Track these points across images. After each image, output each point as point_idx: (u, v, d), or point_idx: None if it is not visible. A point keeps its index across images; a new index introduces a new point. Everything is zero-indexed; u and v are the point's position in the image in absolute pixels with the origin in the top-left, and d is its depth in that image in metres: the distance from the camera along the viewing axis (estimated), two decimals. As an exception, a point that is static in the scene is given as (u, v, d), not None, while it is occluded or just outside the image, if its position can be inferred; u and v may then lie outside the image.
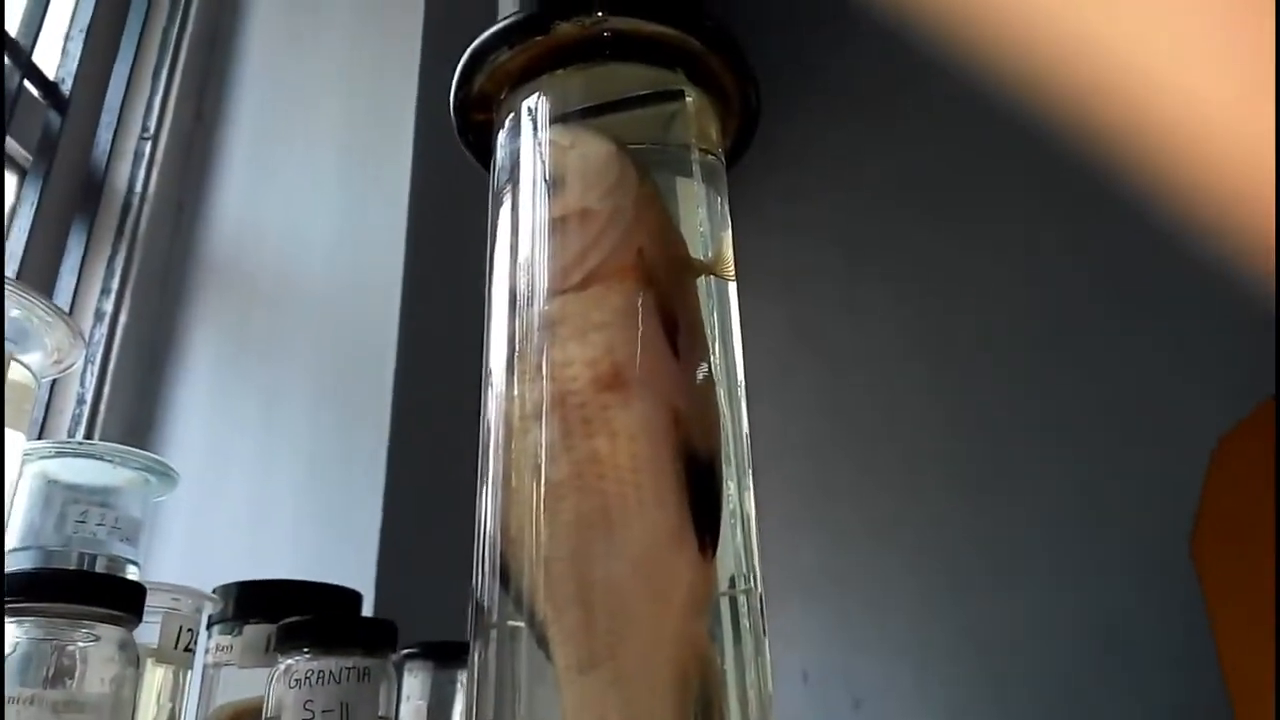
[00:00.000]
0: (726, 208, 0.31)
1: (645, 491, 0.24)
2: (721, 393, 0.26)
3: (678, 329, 0.25)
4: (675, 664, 0.21)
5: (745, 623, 0.23)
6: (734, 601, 0.23)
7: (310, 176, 1.06)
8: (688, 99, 0.30)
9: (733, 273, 0.28)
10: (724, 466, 0.24)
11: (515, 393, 0.26)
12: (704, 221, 0.29)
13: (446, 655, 0.70)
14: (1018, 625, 1.69)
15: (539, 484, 0.24)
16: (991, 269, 1.86)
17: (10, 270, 0.88)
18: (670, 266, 0.27)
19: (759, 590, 0.25)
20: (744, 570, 0.24)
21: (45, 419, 0.91)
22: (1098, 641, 1.63)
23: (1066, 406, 1.77)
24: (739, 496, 0.25)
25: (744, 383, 0.28)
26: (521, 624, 0.24)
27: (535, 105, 0.31)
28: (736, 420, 0.27)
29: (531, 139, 0.30)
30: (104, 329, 0.96)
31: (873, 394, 1.82)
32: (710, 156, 0.31)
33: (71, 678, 0.37)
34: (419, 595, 0.94)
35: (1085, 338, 1.79)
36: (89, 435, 0.91)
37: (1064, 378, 1.79)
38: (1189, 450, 1.43)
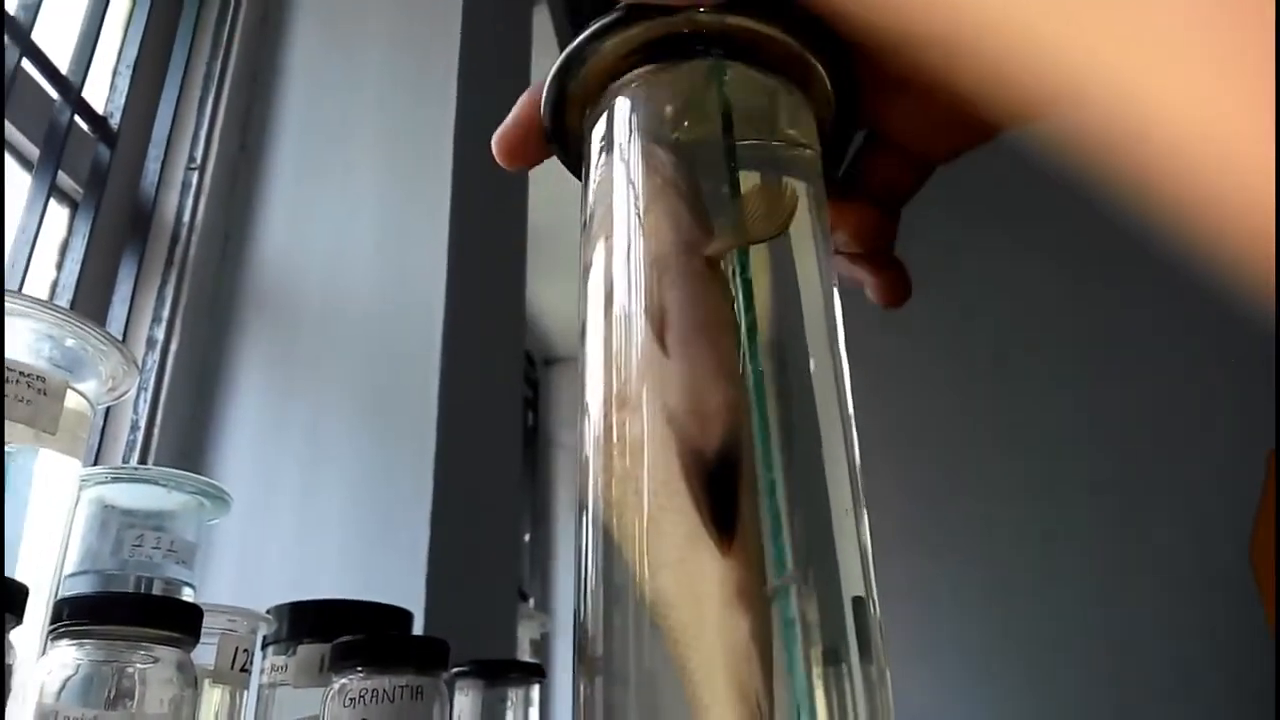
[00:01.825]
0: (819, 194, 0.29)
1: (661, 498, 0.23)
2: (769, 371, 0.25)
3: (665, 324, 0.25)
4: (728, 670, 0.21)
5: (796, 617, 0.22)
6: (787, 595, 0.22)
7: (351, 203, 1.07)
8: (785, 93, 0.29)
9: (772, 233, 0.26)
10: (766, 455, 0.23)
11: (611, 422, 0.25)
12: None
13: (496, 673, 0.71)
14: (1066, 630, 1.67)
15: (612, 511, 0.24)
16: (1033, 272, 1.84)
17: (64, 300, 0.90)
18: (667, 257, 0.26)
19: (811, 583, 0.24)
20: (790, 565, 0.23)
21: (100, 445, 0.93)
22: (1153, 649, 1.60)
23: (1117, 413, 1.75)
24: (781, 488, 0.24)
25: (816, 350, 0.27)
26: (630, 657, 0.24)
27: (631, 108, 0.29)
28: (795, 399, 0.26)
29: (624, 147, 0.29)
30: (156, 356, 0.98)
31: (913, 399, 1.81)
32: (807, 151, 0.30)
33: (131, 699, 0.38)
34: (467, 613, 0.94)
35: (1138, 342, 1.77)
36: (143, 460, 0.93)
37: (1114, 384, 1.76)
38: (1247, 457, 1.40)
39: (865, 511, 0.25)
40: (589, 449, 0.25)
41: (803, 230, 0.28)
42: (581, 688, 0.23)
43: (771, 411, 0.24)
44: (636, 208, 0.27)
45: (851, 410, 0.27)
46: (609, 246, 0.27)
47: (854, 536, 0.24)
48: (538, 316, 1.97)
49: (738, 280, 0.25)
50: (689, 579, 0.22)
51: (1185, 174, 0.13)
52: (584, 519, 0.25)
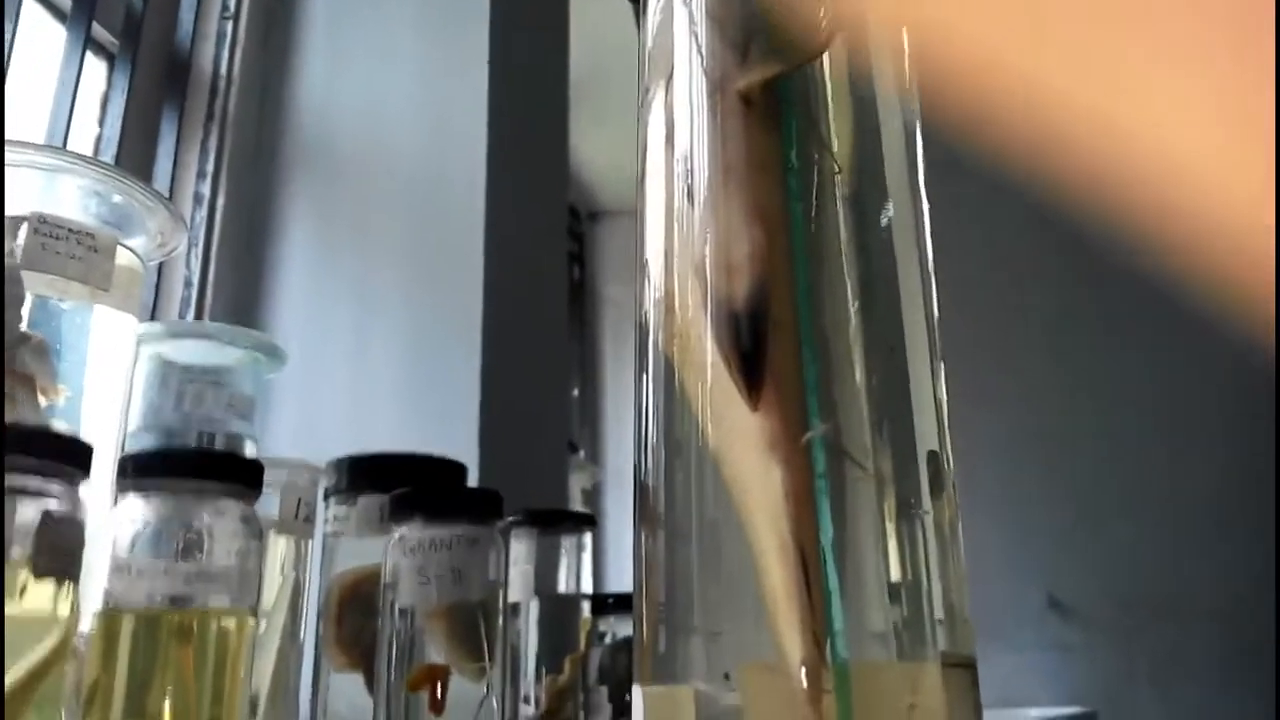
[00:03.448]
0: None
1: (696, 354, 0.23)
2: (848, 220, 0.24)
3: (694, 170, 0.24)
4: (770, 520, 0.21)
5: (837, 471, 0.22)
6: (819, 447, 0.22)
7: (388, 51, 1.05)
8: None
9: (804, 58, 0.24)
10: (805, 305, 0.22)
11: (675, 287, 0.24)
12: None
13: (550, 522, 0.73)
14: (1126, 485, 1.67)
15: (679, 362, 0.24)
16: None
17: (108, 156, 0.89)
18: (698, 97, 0.24)
19: (885, 437, 0.23)
20: (819, 420, 0.22)
21: (156, 303, 0.94)
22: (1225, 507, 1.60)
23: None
24: (814, 344, 0.23)
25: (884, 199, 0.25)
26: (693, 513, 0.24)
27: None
28: (872, 249, 0.24)
29: None
30: (204, 212, 0.98)
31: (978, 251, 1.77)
32: None
33: (200, 550, 0.39)
34: (519, 464, 0.96)
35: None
36: (198, 316, 0.94)
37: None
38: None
39: (942, 365, 0.24)
40: (648, 306, 0.25)
41: (881, 58, 0.26)
42: (644, 541, 0.23)
43: (847, 261, 0.23)
44: (697, 43, 0.25)
45: (931, 262, 0.25)
46: (668, 89, 0.26)
47: (930, 390, 0.24)
48: (581, 169, 1.94)
49: (784, 109, 0.23)
50: (729, 434, 0.22)
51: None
52: (644, 377, 0.24)
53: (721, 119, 0.23)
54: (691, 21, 0.25)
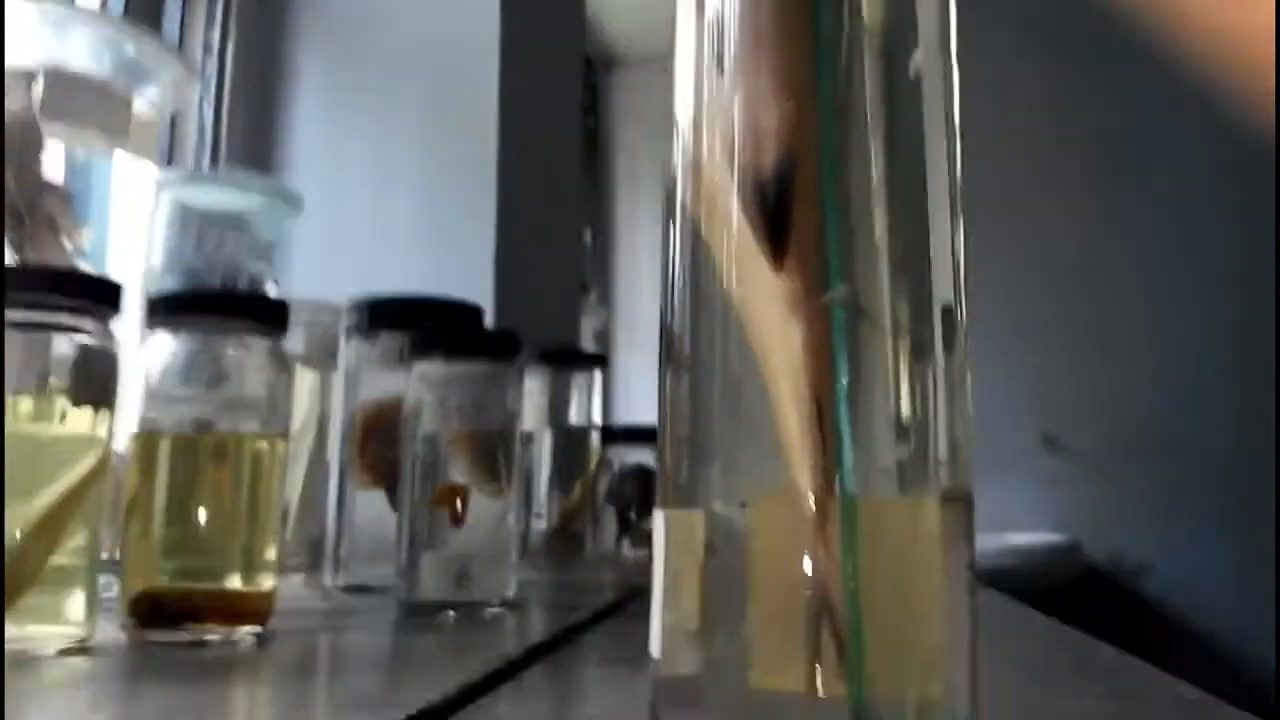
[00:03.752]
0: None
1: (723, 216, 0.24)
2: (876, 73, 0.24)
3: (723, 36, 0.24)
4: (789, 375, 0.23)
5: (854, 328, 0.23)
6: (839, 309, 0.23)
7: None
8: None
9: None
10: (831, 174, 0.24)
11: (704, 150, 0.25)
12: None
13: (563, 361, 0.76)
14: (1117, 326, 1.69)
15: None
16: None
17: (118, 5, 0.88)
18: None
19: (904, 288, 0.25)
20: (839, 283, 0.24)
21: (171, 149, 0.95)
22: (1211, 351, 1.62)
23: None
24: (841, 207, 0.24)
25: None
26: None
27: None
28: (900, 102, 0.25)
29: None
30: (214, 60, 0.97)
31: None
32: None
33: (229, 380, 0.42)
34: (533, 304, 0.98)
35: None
36: (214, 162, 0.95)
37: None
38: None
39: (962, 220, 0.26)
40: (676, 159, 0.26)
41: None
42: (669, 383, 0.25)
43: (873, 126, 0.24)
44: None
45: (958, 118, 0.26)
46: None
47: (949, 248, 0.25)
48: (598, 18, 1.89)
49: None
50: (753, 293, 0.23)
51: None
52: (671, 227, 0.26)
53: None
54: None
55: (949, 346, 0.24)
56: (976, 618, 0.23)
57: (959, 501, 0.24)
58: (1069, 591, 1.50)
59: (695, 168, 0.25)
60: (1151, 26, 1.69)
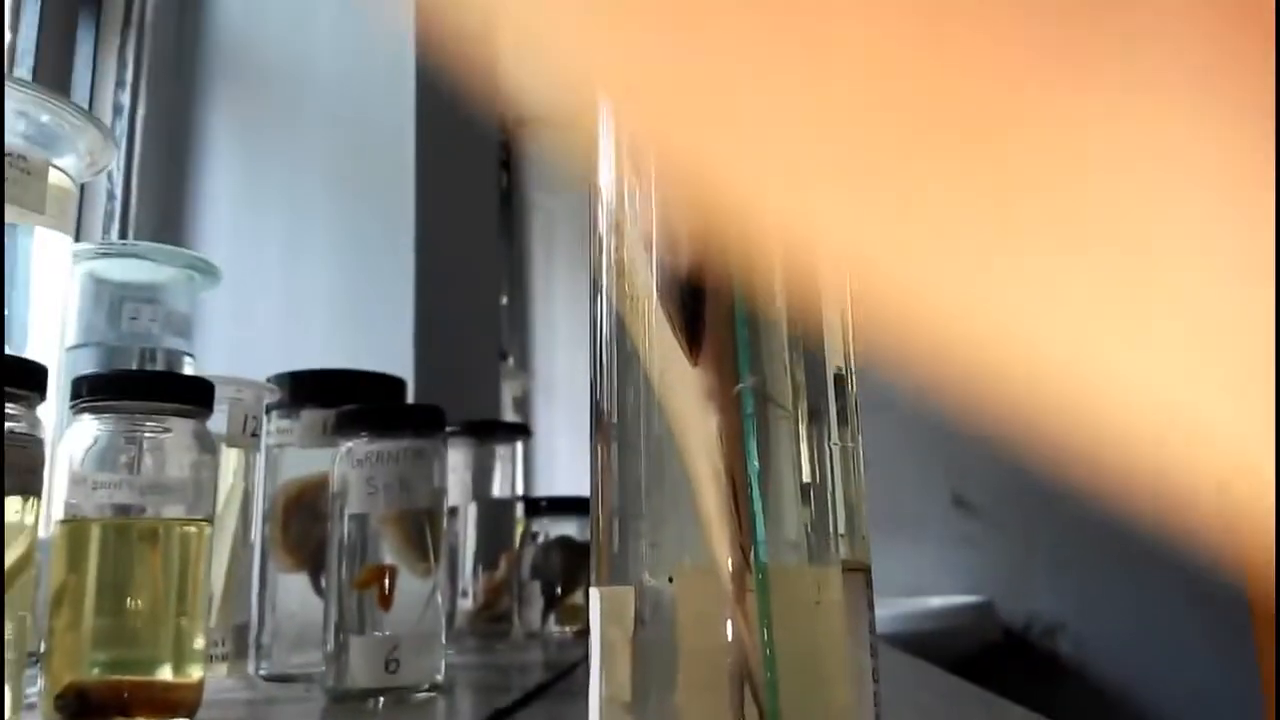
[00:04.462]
0: None
1: (644, 314, 0.27)
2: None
3: (641, 150, 0.27)
4: (705, 455, 0.25)
5: (762, 414, 0.26)
6: (748, 396, 0.26)
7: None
8: None
9: None
10: (732, 280, 0.26)
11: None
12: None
13: (485, 432, 0.77)
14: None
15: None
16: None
17: (26, 66, 0.87)
18: None
19: (800, 352, 0.27)
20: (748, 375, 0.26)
21: (80, 218, 0.93)
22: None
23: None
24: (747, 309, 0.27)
25: None
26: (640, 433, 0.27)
27: None
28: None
29: None
30: (124, 123, 0.96)
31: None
32: None
33: (153, 464, 0.41)
34: (453, 374, 0.99)
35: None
36: (124, 231, 0.94)
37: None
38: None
39: (850, 294, 0.28)
40: (602, 230, 0.28)
41: None
42: (599, 457, 0.27)
43: None
44: None
45: None
46: None
47: (839, 310, 0.28)
48: (511, 76, 1.91)
49: None
50: (672, 384, 0.26)
51: None
52: (598, 300, 0.28)
53: None
54: None
55: (844, 424, 0.27)
56: (878, 679, 0.25)
57: (859, 571, 0.26)
58: (986, 653, 1.54)
59: (619, 271, 0.27)
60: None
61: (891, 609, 1.42)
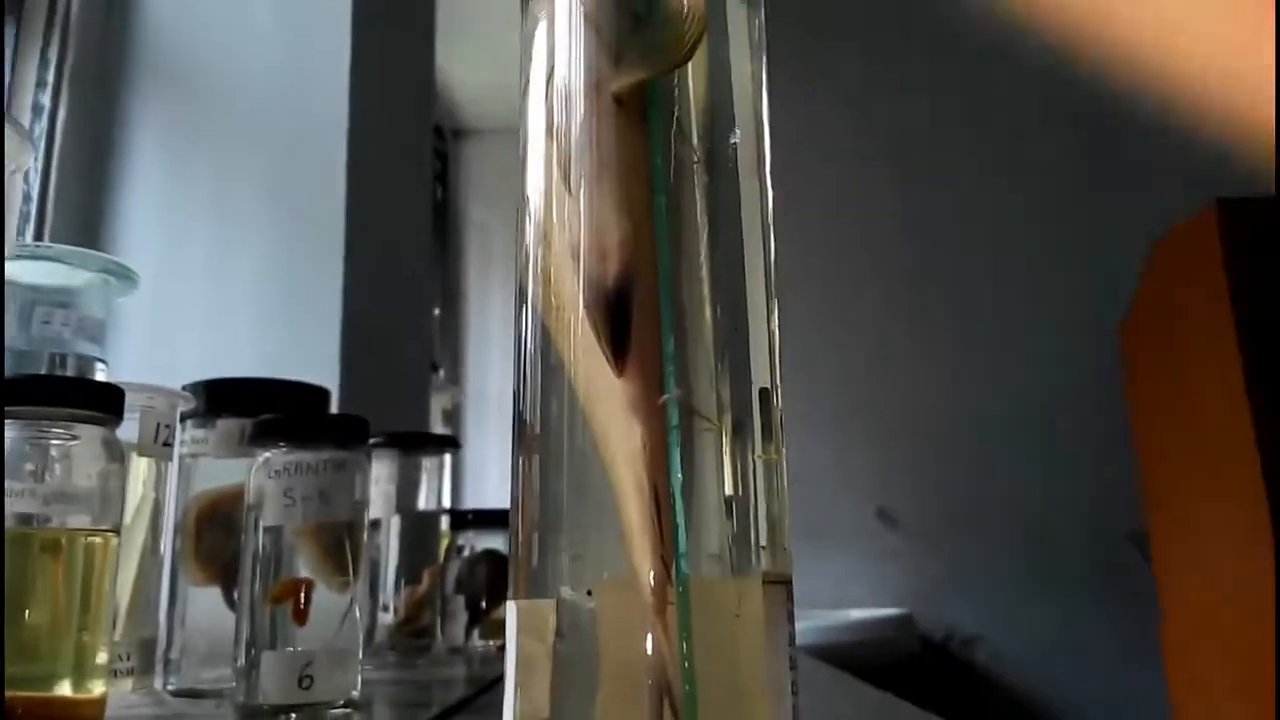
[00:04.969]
0: None
1: (570, 325, 0.27)
2: (700, 179, 0.27)
3: (570, 164, 0.27)
4: (628, 466, 0.25)
5: (687, 426, 0.25)
6: (674, 407, 0.26)
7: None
8: None
9: (675, 62, 0.27)
10: (665, 286, 0.26)
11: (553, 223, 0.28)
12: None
13: (411, 444, 0.76)
14: (945, 410, 1.80)
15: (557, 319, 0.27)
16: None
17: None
18: (574, 95, 0.27)
19: (725, 368, 0.27)
20: (674, 386, 0.26)
21: (-7, 218, 0.90)
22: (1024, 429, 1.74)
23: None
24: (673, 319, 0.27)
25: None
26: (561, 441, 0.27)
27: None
28: (721, 204, 0.28)
29: None
30: (43, 124, 0.93)
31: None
32: None
33: (59, 472, 0.40)
34: (381, 386, 0.97)
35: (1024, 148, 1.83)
36: (39, 233, 0.91)
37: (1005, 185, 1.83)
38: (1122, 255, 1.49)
39: (777, 305, 0.29)
40: (529, 240, 0.28)
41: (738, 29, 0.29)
42: (521, 469, 0.27)
43: (700, 217, 0.27)
44: (576, 47, 0.28)
45: (772, 217, 0.29)
46: (549, 84, 0.28)
47: (764, 326, 0.28)
48: (447, 87, 1.90)
49: (650, 111, 0.27)
50: (597, 394, 0.26)
51: None
52: (524, 310, 0.28)
53: (597, 119, 0.26)
54: (570, 26, 0.28)
55: (768, 438, 0.27)
56: (798, 691, 0.25)
57: (780, 584, 0.26)
58: (905, 664, 1.56)
59: (545, 281, 0.27)
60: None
61: (813, 621, 1.43)
